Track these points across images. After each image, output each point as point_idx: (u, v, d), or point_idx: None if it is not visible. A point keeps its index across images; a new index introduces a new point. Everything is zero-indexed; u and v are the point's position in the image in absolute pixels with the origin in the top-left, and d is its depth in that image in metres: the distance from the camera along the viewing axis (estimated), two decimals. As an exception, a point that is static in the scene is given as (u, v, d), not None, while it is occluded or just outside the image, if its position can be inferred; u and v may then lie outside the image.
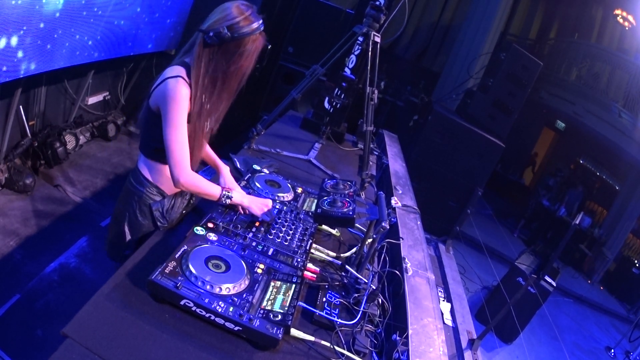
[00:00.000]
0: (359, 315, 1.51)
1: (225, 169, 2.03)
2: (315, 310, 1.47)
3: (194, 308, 1.27)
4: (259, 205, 1.82)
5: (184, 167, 1.61)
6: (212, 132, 1.86)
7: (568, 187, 8.96)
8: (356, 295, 1.61)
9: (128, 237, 1.80)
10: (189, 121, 1.63)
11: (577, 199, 8.75)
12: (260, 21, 1.62)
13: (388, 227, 1.64)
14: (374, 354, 1.47)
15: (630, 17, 8.00)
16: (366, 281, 1.66)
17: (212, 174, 2.50)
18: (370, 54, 2.93)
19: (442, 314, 2.08)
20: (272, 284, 1.48)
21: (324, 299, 1.55)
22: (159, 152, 1.67)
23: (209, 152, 2.08)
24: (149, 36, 4.46)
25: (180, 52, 1.70)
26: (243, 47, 1.60)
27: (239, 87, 1.75)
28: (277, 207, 2.01)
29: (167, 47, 4.95)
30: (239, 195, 1.80)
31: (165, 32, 4.73)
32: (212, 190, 1.72)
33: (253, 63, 1.69)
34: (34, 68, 3.01)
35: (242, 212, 1.82)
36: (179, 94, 1.56)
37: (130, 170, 1.83)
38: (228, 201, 1.74)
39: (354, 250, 1.90)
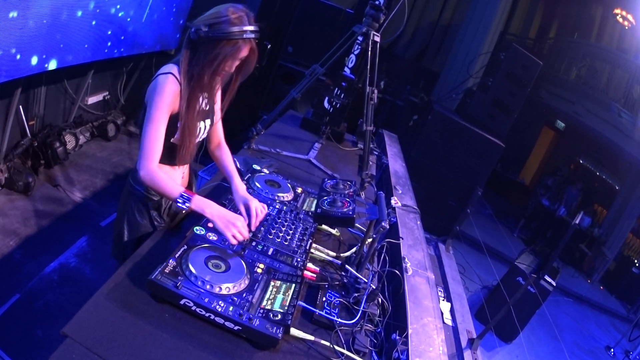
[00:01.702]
0: (359, 315, 1.51)
1: (236, 180, 1.85)
2: (315, 309, 1.48)
3: (193, 308, 1.27)
4: (224, 222, 1.54)
5: (149, 161, 1.56)
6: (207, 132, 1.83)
7: (567, 184, 8.96)
8: (356, 294, 1.61)
9: (127, 236, 1.81)
10: (180, 119, 1.62)
11: (576, 197, 8.75)
12: (251, 28, 1.53)
13: (388, 226, 1.64)
14: (374, 354, 1.48)
15: (629, 17, 7.99)
16: (366, 281, 1.67)
17: (212, 173, 2.49)
18: (369, 53, 2.92)
19: (442, 313, 2.08)
20: (272, 283, 1.48)
21: (324, 299, 1.55)
22: None
23: (225, 161, 1.95)
24: (150, 36, 4.46)
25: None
26: (219, 49, 1.52)
27: (215, 90, 1.70)
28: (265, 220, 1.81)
29: (167, 46, 4.95)
30: (201, 203, 1.57)
31: (165, 31, 4.72)
32: (171, 190, 1.56)
33: (231, 69, 1.61)
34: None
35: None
36: (165, 89, 1.55)
37: (130, 170, 1.82)
38: (186, 206, 1.55)
39: (353, 250, 1.90)
